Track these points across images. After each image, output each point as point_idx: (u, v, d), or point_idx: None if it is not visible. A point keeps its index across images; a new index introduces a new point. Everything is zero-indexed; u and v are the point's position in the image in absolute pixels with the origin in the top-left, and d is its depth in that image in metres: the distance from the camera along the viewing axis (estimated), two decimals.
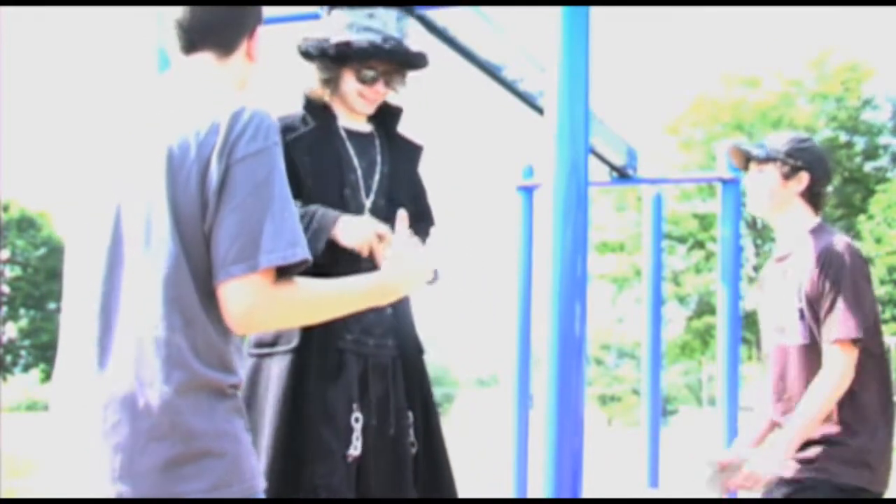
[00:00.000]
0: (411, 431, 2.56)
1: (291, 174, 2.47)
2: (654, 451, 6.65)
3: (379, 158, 2.65)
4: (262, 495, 1.62)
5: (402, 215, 1.90)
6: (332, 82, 2.62)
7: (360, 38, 2.54)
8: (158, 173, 1.55)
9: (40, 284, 29.71)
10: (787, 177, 2.82)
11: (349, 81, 2.60)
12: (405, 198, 2.61)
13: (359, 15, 2.57)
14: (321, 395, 2.43)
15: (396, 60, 2.59)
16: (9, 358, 30.16)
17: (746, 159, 2.92)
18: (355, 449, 2.44)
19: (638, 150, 6.50)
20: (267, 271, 1.54)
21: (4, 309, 30.07)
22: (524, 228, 6.40)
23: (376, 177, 2.63)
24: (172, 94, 1.64)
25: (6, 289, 30.23)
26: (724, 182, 6.21)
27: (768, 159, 2.84)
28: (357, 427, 2.45)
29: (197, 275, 1.54)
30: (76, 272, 1.63)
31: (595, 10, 2.84)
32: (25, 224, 30.39)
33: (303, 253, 1.57)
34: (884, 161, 24.33)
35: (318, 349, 2.44)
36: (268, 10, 3.72)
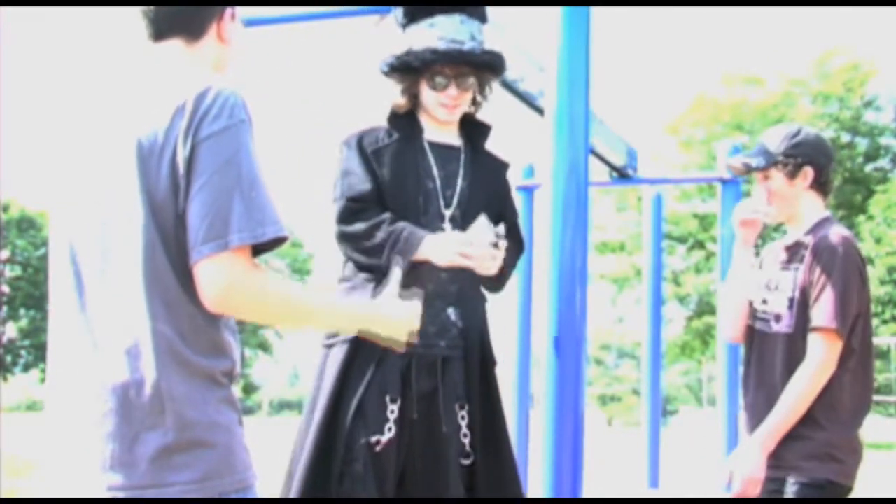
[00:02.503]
0: (466, 432, 2.55)
1: (374, 185, 2.55)
2: (654, 451, 6.64)
3: (461, 171, 2.66)
4: (254, 489, 1.61)
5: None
6: (412, 94, 2.65)
7: (420, 47, 2.56)
8: (130, 163, 1.55)
9: (40, 284, 29.69)
10: (791, 176, 2.80)
11: (426, 91, 2.63)
12: (483, 211, 2.60)
13: (422, 25, 2.59)
14: (358, 384, 2.47)
15: (463, 62, 2.58)
16: (9, 358, 30.16)
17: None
18: (382, 436, 2.45)
19: (638, 150, 6.50)
20: (240, 250, 1.52)
21: (4, 309, 30.08)
22: (524, 228, 6.40)
23: (456, 188, 2.65)
24: (142, 82, 1.64)
25: (6, 289, 30.24)
26: (724, 182, 6.21)
27: (769, 166, 2.82)
28: (391, 417, 2.47)
29: (175, 261, 1.54)
30: (63, 268, 1.63)
31: (595, 10, 2.84)
32: (25, 224, 30.40)
33: (273, 231, 1.55)
34: (884, 162, 24.26)
35: (363, 343, 2.45)
36: (267, 11, 3.71)
